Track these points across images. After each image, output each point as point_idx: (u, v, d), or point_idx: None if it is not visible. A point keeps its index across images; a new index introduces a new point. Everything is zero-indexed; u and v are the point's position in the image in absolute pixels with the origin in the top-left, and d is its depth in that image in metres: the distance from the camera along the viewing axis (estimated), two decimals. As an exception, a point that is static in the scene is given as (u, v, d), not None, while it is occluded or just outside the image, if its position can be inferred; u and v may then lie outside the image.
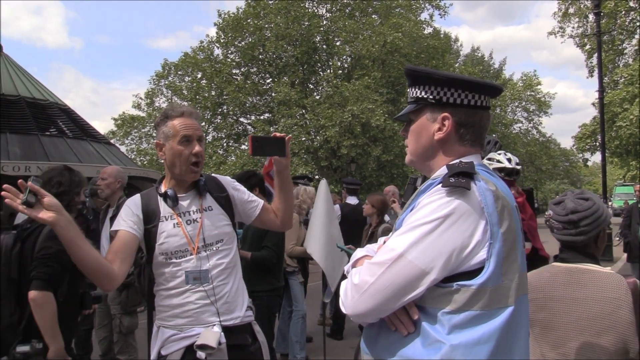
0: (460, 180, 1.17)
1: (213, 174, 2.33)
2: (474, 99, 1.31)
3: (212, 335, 1.99)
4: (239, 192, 2.31)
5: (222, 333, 2.04)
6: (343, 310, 1.23)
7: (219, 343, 1.99)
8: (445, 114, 1.31)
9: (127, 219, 2.09)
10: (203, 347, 1.96)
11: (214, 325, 2.05)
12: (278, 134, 2.12)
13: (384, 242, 1.35)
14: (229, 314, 2.11)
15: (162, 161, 2.20)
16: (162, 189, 2.17)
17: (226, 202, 2.24)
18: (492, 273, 1.14)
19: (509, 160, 3.71)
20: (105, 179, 4.27)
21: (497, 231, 1.16)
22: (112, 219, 3.99)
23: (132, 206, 2.14)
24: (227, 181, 2.32)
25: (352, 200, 6.62)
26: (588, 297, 1.83)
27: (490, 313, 1.13)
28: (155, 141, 2.21)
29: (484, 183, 1.21)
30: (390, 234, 1.36)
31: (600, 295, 1.81)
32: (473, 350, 1.10)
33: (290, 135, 2.17)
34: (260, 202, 2.35)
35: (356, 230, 6.22)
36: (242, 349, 2.12)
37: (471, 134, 1.33)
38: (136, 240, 2.06)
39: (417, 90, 1.36)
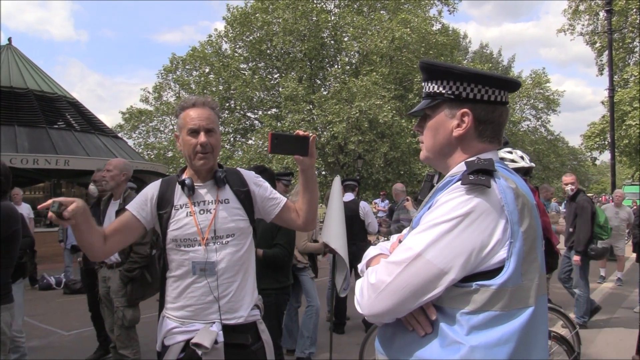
0: (480, 178, 1.14)
1: (238, 168, 2.29)
2: (494, 94, 1.28)
3: (208, 335, 1.99)
4: (261, 188, 2.26)
5: (221, 332, 2.03)
6: (359, 310, 1.21)
7: (215, 342, 1.98)
8: (465, 109, 1.28)
9: (138, 201, 2.17)
10: (198, 345, 1.97)
11: (213, 323, 2.05)
12: (301, 132, 2.02)
13: (399, 240, 1.32)
14: (232, 313, 2.09)
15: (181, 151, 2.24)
16: (183, 176, 2.19)
17: (246, 197, 2.20)
18: (512, 273, 1.11)
19: (522, 158, 3.57)
20: (111, 170, 4.23)
21: (517, 230, 1.13)
22: (118, 212, 3.97)
23: (149, 190, 2.20)
24: (250, 176, 2.27)
25: (347, 196, 6.67)
26: None
27: (510, 314, 1.10)
28: (174, 133, 2.28)
29: (504, 181, 1.18)
30: (407, 231, 1.33)
31: None
32: (492, 351, 1.08)
33: (314, 134, 2.07)
34: (282, 199, 2.29)
35: (348, 226, 6.24)
36: (242, 348, 2.10)
37: (490, 131, 1.30)
38: (137, 224, 2.13)
39: (433, 85, 1.32)
